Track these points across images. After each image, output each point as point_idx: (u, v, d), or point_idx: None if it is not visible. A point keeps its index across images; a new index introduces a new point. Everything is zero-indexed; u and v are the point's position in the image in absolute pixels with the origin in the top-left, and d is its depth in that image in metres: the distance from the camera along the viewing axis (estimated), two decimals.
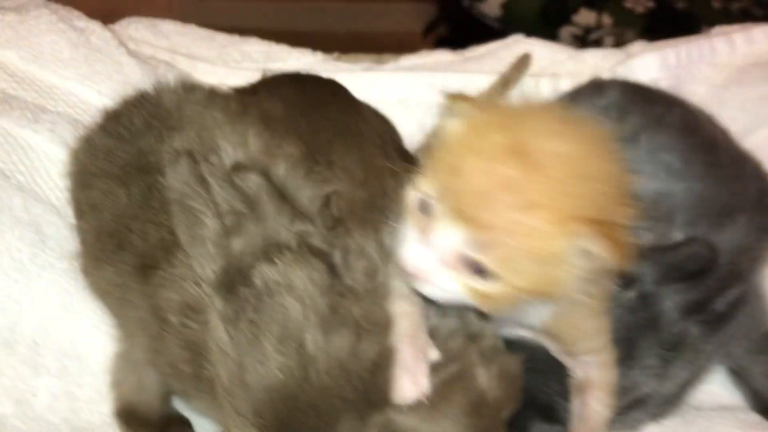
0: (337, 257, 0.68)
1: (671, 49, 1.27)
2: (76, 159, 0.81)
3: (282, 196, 0.70)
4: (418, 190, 0.66)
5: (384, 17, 2.72)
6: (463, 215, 0.60)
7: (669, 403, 0.87)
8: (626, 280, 0.76)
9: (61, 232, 0.81)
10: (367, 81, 1.25)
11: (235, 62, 1.26)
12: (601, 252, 0.60)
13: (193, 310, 0.67)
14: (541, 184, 0.60)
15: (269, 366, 0.61)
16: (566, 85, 1.26)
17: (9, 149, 0.82)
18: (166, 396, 0.77)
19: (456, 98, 0.67)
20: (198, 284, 0.67)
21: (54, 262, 0.78)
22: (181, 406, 0.80)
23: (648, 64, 1.25)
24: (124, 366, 0.75)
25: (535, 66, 1.31)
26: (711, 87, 1.26)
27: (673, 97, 1.06)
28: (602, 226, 0.60)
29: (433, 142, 0.69)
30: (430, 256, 0.63)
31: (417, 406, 0.67)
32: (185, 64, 1.16)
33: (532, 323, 0.75)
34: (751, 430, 0.87)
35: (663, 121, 0.96)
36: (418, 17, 2.49)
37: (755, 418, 0.91)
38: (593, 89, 1.05)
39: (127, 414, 0.75)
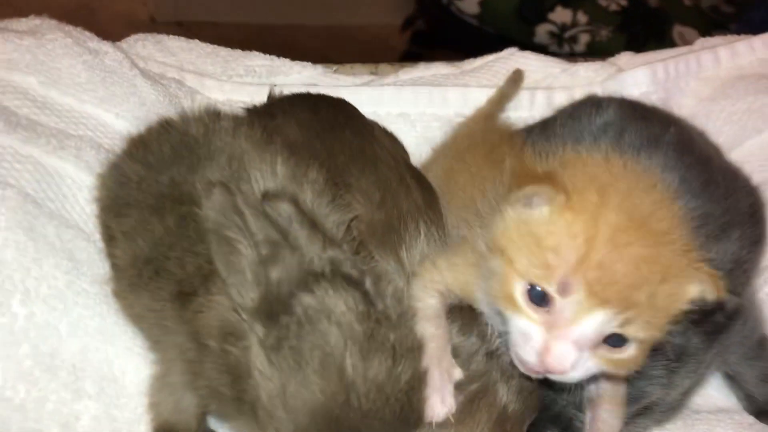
0: (368, 283, 0.72)
1: (660, 64, 1.32)
2: (104, 186, 0.83)
3: (312, 223, 0.73)
4: (532, 282, 0.65)
5: (363, 10, 2.74)
6: (610, 299, 0.62)
7: (673, 410, 0.92)
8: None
9: (92, 258, 0.83)
10: (368, 95, 1.28)
11: (239, 77, 1.28)
12: (713, 288, 0.66)
13: (233, 335, 0.70)
14: (668, 247, 0.64)
15: (312, 390, 0.64)
16: (560, 98, 1.31)
17: (39, 177, 0.83)
18: (202, 417, 0.79)
19: (537, 185, 0.65)
20: (237, 311, 0.70)
21: (88, 288, 0.80)
22: (215, 425, 0.83)
23: (638, 78, 1.30)
24: (161, 388, 0.78)
25: (530, 79, 1.35)
26: (698, 100, 1.31)
27: (668, 114, 1.11)
28: (701, 265, 0.66)
29: (512, 229, 0.68)
30: (572, 347, 0.64)
31: (445, 424, 0.72)
32: (193, 81, 1.18)
33: None
34: (745, 431, 0.93)
35: (660, 140, 1.01)
36: (397, 11, 2.52)
37: (750, 419, 0.97)
38: (591, 107, 1.10)
39: None
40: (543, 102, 1.32)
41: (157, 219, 0.76)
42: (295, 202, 0.74)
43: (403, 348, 0.68)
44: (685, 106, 1.32)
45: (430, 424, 0.71)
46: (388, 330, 0.67)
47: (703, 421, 0.95)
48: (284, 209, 0.73)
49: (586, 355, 0.65)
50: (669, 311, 0.66)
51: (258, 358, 0.67)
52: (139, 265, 0.76)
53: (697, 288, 0.67)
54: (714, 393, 1.03)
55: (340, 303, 0.67)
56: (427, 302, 0.79)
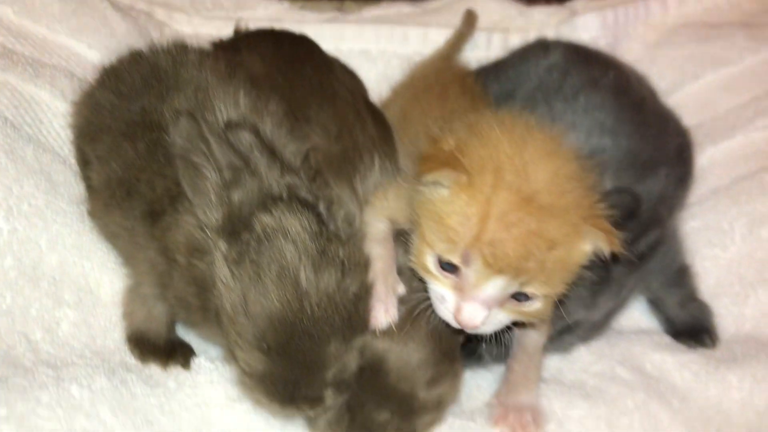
0: (322, 207, 0.79)
1: (611, 9, 1.39)
2: (79, 112, 0.89)
3: (271, 151, 0.80)
4: (439, 255, 0.74)
5: None
6: (503, 269, 0.70)
7: (596, 329, 1.02)
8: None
9: (68, 180, 0.89)
10: (331, 32, 1.34)
11: (207, 11, 1.33)
12: (607, 243, 0.74)
13: (198, 250, 0.78)
14: (554, 220, 0.71)
15: (270, 298, 0.72)
16: (515, 40, 1.38)
17: (17, 103, 0.89)
18: (172, 325, 0.87)
19: (435, 171, 0.72)
20: (202, 229, 0.77)
21: (65, 207, 0.87)
22: (184, 334, 0.91)
23: (588, 23, 1.38)
24: (134, 299, 0.85)
25: (488, 20, 1.42)
26: (645, 46, 1.39)
27: (609, 58, 1.18)
28: (596, 221, 0.74)
29: (423, 206, 0.76)
30: (480, 307, 0.73)
31: (388, 332, 0.81)
32: (162, 14, 1.23)
33: None
34: (662, 350, 1.03)
35: (599, 82, 1.08)
36: None
37: (667, 339, 1.07)
38: (539, 50, 1.17)
39: (137, 340, 0.86)
40: (499, 44, 1.38)
41: (129, 144, 0.83)
42: (256, 131, 0.81)
43: (352, 263, 0.76)
44: (632, 50, 1.39)
45: (375, 330, 0.80)
46: (338, 247, 0.76)
47: (624, 339, 1.05)
48: (245, 138, 0.79)
49: (495, 310, 0.75)
50: (564, 271, 0.75)
51: (221, 271, 0.75)
52: (113, 187, 0.83)
53: (591, 246, 0.75)
54: (637, 315, 1.13)
55: (295, 223, 0.75)
56: (376, 226, 0.87)
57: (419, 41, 1.34)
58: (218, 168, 0.77)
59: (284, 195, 0.77)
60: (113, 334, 0.86)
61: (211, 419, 0.81)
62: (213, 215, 0.76)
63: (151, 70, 0.87)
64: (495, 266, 0.70)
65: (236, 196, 0.76)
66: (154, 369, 0.84)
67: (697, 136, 1.25)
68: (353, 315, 0.76)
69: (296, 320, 0.73)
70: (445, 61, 1.27)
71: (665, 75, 1.34)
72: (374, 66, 1.33)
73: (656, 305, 1.11)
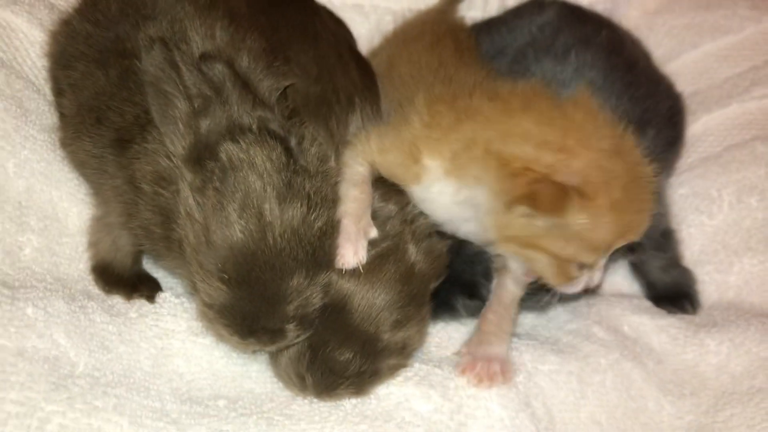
0: (292, 142, 0.78)
1: None
2: (56, 40, 0.88)
3: (245, 84, 0.78)
4: (583, 262, 0.81)
5: None
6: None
7: None
8: None
9: (40, 108, 0.88)
10: None
11: None
12: None
13: (164, 180, 0.76)
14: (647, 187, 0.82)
15: (233, 228, 0.71)
16: (513, 1, 1.35)
17: None
18: (138, 257, 0.86)
19: (559, 210, 0.75)
20: (169, 158, 0.76)
21: (35, 135, 0.86)
22: (150, 268, 0.90)
23: None
24: (100, 228, 0.84)
25: None
26: (644, 12, 1.37)
27: (603, 19, 1.16)
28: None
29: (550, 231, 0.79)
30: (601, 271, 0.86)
31: (355, 273, 0.79)
32: None
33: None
34: (641, 313, 1.02)
35: (591, 41, 1.07)
36: None
37: (647, 304, 1.06)
38: (533, 7, 1.15)
39: (102, 270, 0.85)
40: (495, 4, 1.36)
41: (102, 72, 0.81)
42: (230, 64, 0.79)
43: (318, 198, 0.75)
44: (630, 17, 1.37)
45: (341, 269, 0.78)
46: (305, 180, 0.74)
47: (604, 302, 1.04)
48: (219, 69, 0.78)
49: None
50: None
51: (186, 200, 0.74)
52: (83, 114, 0.82)
53: None
54: (619, 280, 1.12)
55: (262, 154, 0.73)
56: (356, 169, 0.86)
57: None
58: (188, 96, 0.75)
59: (254, 127, 0.76)
60: (78, 264, 0.85)
61: (170, 351, 0.80)
62: (180, 143, 0.75)
63: (128, 0, 0.86)
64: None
65: (204, 124, 0.75)
66: (116, 300, 0.82)
67: (692, 104, 1.23)
68: (318, 250, 0.75)
69: (258, 251, 0.71)
70: (441, 14, 1.24)
71: (663, 42, 1.32)
72: (366, 20, 1.31)
73: (638, 269, 1.10)
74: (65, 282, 0.81)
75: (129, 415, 0.70)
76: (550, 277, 0.82)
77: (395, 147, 0.85)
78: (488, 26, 1.17)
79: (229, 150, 0.73)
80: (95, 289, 0.83)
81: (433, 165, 0.83)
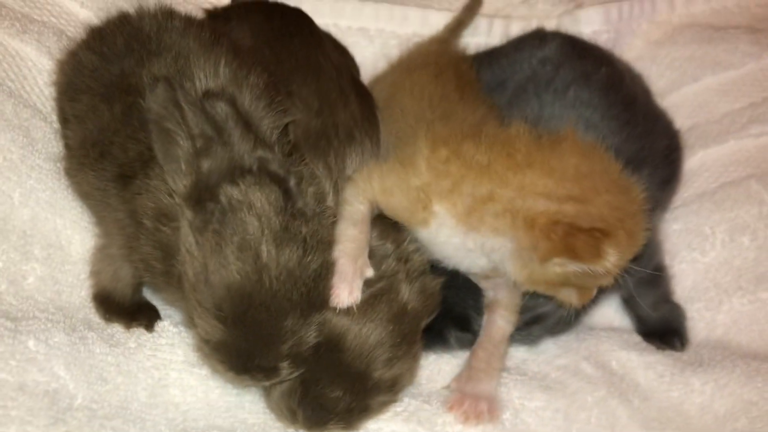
0: (292, 183, 0.80)
1: (615, 5, 1.38)
2: (62, 71, 0.90)
3: (247, 124, 0.80)
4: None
5: None
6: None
7: (566, 323, 1.02)
8: None
9: (47, 137, 0.90)
10: (330, 7, 1.33)
11: None
12: None
13: (166, 216, 0.79)
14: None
15: (230, 269, 0.73)
16: (517, 28, 1.37)
17: (0, 57, 0.89)
18: (138, 287, 0.89)
19: (597, 258, 0.79)
20: (171, 195, 0.78)
21: (41, 164, 0.88)
22: (151, 297, 0.92)
23: (592, 16, 1.36)
24: (102, 258, 0.86)
25: (491, 6, 1.41)
26: (647, 43, 1.38)
27: (605, 54, 1.17)
28: None
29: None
30: None
31: (349, 311, 0.81)
32: None
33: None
34: (629, 349, 1.03)
35: (590, 77, 1.08)
36: None
37: (637, 339, 1.07)
38: (535, 39, 1.16)
39: (102, 299, 0.87)
40: (500, 30, 1.38)
41: (106, 106, 0.83)
42: (233, 102, 0.81)
43: (315, 241, 0.77)
44: (634, 47, 1.38)
45: (335, 309, 0.80)
46: (301, 224, 0.76)
47: (593, 336, 1.05)
48: (222, 108, 0.80)
49: None
50: None
51: (186, 238, 0.76)
52: (87, 147, 0.84)
53: None
54: (611, 313, 1.13)
55: (261, 196, 0.75)
56: (356, 207, 0.88)
57: (418, 23, 1.34)
58: (191, 136, 0.77)
59: (254, 168, 0.78)
60: (80, 292, 0.87)
61: (167, 381, 0.82)
62: (182, 182, 0.77)
63: (134, 34, 0.87)
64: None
65: (206, 165, 0.77)
66: (116, 329, 0.85)
67: (689, 139, 1.24)
68: (312, 291, 0.77)
69: (254, 292, 0.73)
70: (444, 44, 1.26)
71: (665, 74, 1.33)
72: (371, 44, 1.33)
73: (629, 304, 1.11)
74: (67, 311, 0.83)
75: None
76: (575, 302, 0.87)
77: (401, 191, 0.86)
78: (489, 57, 1.18)
79: (228, 192, 0.75)
80: (96, 318, 0.86)
81: (443, 213, 0.84)
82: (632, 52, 1.37)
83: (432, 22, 1.34)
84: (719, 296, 1.09)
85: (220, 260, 0.74)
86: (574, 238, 0.78)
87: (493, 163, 0.83)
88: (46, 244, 0.86)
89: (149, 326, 0.87)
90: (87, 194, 0.87)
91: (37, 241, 0.85)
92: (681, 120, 1.28)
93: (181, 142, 0.77)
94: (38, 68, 0.94)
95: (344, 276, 0.82)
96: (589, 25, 1.35)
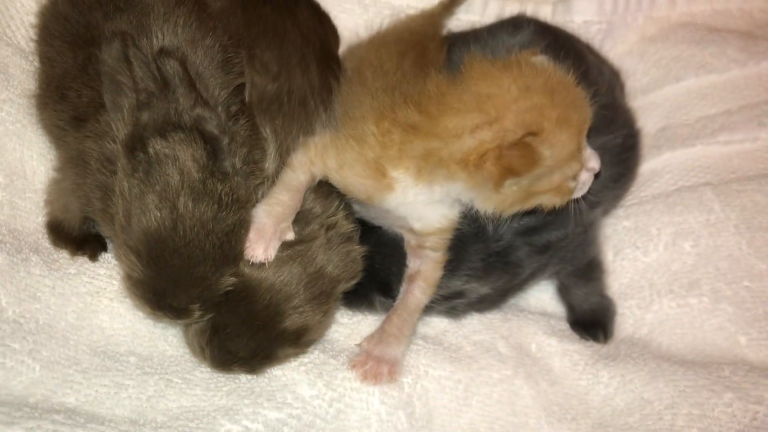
0: (224, 142, 0.86)
1: None
2: (42, 16, 0.98)
3: (191, 83, 0.87)
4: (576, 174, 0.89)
5: None
6: None
7: (487, 302, 1.07)
8: None
9: (24, 74, 0.99)
10: None
11: None
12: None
13: (108, 160, 0.87)
14: None
15: (149, 216, 0.81)
16: (512, 9, 1.38)
17: None
18: (85, 219, 0.97)
19: (530, 166, 0.83)
20: (114, 141, 0.86)
21: (14, 98, 0.97)
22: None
23: (584, 6, 1.37)
24: (55, 190, 0.95)
25: None
26: (641, 38, 1.38)
27: (576, 47, 1.19)
28: None
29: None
30: None
31: (262, 267, 0.89)
32: None
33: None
34: (553, 335, 1.08)
35: None
36: None
37: (563, 326, 1.12)
38: (509, 26, 1.19)
39: (53, 226, 0.96)
40: (494, 10, 1.40)
41: (71, 53, 0.91)
42: (183, 61, 0.88)
43: (230, 199, 0.84)
44: (626, 41, 1.38)
45: (248, 261, 0.88)
46: (217, 182, 0.83)
47: (520, 317, 1.10)
48: (172, 65, 0.87)
49: None
50: None
51: (120, 182, 0.84)
52: (52, 88, 0.92)
53: None
54: (546, 299, 1.18)
55: (186, 152, 0.83)
56: (296, 175, 0.93)
57: None
58: (136, 90, 0.85)
59: (188, 125, 0.85)
60: (36, 218, 0.96)
61: (98, 307, 0.91)
62: (123, 131, 0.85)
63: None
64: None
65: (144, 117, 0.84)
66: (62, 255, 0.94)
67: (659, 139, 1.26)
68: (225, 245, 0.84)
69: (168, 239, 0.81)
70: (431, 19, 1.29)
71: (650, 71, 1.34)
72: (365, 12, 1.37)
73: (562, 293, 1.15)
74: (18, 234, 0.93)
75: (42, 360, 0.83)
76: (558, 203, 0.90)
77: (360, 164, 0.91)
78: (464, 39, 1.21)
79: (157, 145, 0.83)
80: (46, 243, 0.95)
81: (401, 176, 0.90)
82: (624, 45, 1.38)
83: None
84: (651, 296, 1.12)
85: (141, 206, 0.82)
86: (505, 157, 0.82)
87: (418, 121, 0.88)
88: (10, 171, 0.95)
89: (93, 256, 0.96)
90: (49, 131, 0.96)
91: (2, 169, 0.95)
92: (657, 119, 1.30)
93: (128, 94, 0.85)
94: (26, 9, 1.02)
95: (263, 234, 0.89)
96: (580, 15, 1.36)
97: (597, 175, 0.94)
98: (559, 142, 0.84)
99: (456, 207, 0.94)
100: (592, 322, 1.12)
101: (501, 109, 0.84)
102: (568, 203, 0.92)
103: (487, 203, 0.88)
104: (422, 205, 0.92)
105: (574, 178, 0.89)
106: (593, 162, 0.91)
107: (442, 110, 0.87)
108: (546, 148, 0.83)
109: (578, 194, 0.92)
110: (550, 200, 0.89)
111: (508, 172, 0.82)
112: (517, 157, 0.82)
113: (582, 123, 0.87)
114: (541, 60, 0.91)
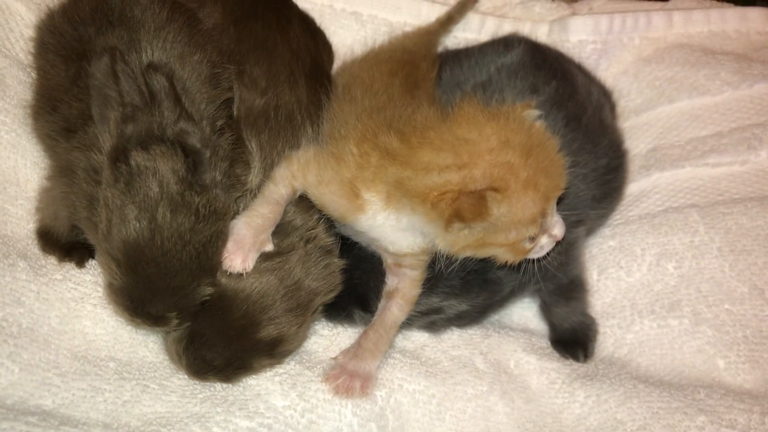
0: (206, 155, 0.89)
1: (607, 16, 1.39)
2: (39, 29, 1.02)
3: (177, 98, 0.90)
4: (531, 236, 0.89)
5: None
6: None
7: (468, 317, 1.09)
8: None
9: (21, 85, 1.03)
10: None
11: None
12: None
13: (94, 171, 0.90)
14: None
15: (128, 226, 0.84)
16: (508, 28, 1.40)
17: None
18: (73, 228, 1.00)
19: (483, 214, 0.83)
20: (100, 152, 0.89)
21: (10, 108, 1.01)
22: None
23: (580, 26, 1.38)
24: (46, 198, 0.99)
25: (489, 4, 1.45)
26: (636, 58, 1.39)
27: (565, 67, 1.20)
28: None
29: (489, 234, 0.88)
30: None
31: (238, 276, 0.91)
32: None
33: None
34: (532, 352, 1.09)
35: (537, 91, 1.12)
36: None
37: (543, 344, 1.13)
38: (500, 45, 1.20)
39: (42, 233, 1.00)
40: (492, 29, 1.41)
41: (64, 66, 0.95)
42: (170, 76, 0.91)
43: (207, 211, 0.87)
44: (622, 61, 1.39)
45: (226, 272, 0.90)
46: (195, 195, 0.86)
47: (501, 334, 1.11)
48: (159, 80, 0.90)
49: None
50: None
51: (104, 192, 0.87)
52: (45, 99, 0.96)
53: None
54: (530, 316, 1.19)
55: (166, 165, 0.85)
56: (278, 188, 0.96)
57: (410, 13, 1.39)
58: (122, 104, 0.88)
59: (170, 138, 0.88)
60: (27, 225, 0.99)
61: (81, 313, 0.94)
62: (108, 143, 0.88)
63: (100, 5, 0.98)
64: None
65: (128, 129, 0.87)
66: (49, 261, 0.97)
67: (649, 160, 1.27)
68: (202, 255, 0.87)
69: (146, 249, 0.84)
70: (428, 36, 1.31)
71: (644, 92, 1.35)
72: (362, 29, 1.39)
73: (544, 311, 1.16)
74: (7, 239, 0.96)
75: (21, 363, 0.86)
76: (510, 259, 0.91)
77: (336, 183, 0.93)
78: (456, 57, 1.23)
79: (138, 157, 0.85)
80: (34, 249, 0.98)
81: (373, 199, 0.92)
82: (619, 65, 1.39)
83: (424, 14, 1.39)
84: (632, 316, 1.13)
85: (121, 216, 0.85)
86: (458, 202, 0.84)
87: (397, 148, 0.90)
88: (3, 179, 0.99)
89: (80, 263, 0.99)
90: (41, 140, 0.99)
91: None
92: (648, 140, 1.30)
93: (115, 108, 0.88)
94: (25, 23, 1.06)
95: (241, 245, 0.91)
96: (576, 34, 1.37)
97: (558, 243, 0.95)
98: (520, 203, 0.84)
99: (423, 237, 0.95)
100: (572, 341, 1.12)
101: (474, 157, 0.85)
102: (521, 262, 0.93)
103: (440, 241, 0.90)
104: (391, 230, 0.94)
105: (532, 240, 0.89)
106: (557, 230, 0.91)
107: (421, 143, 0.88)
108: (502, 207, 0.84)
109: (534, 256, 0.93)
110: (503, 255, 0.90)
111: (455, 216, 0.84)
112: (467, 204, 0.83)
113: (551, 190, 0.88)
114: (532, 115, 0.92)
